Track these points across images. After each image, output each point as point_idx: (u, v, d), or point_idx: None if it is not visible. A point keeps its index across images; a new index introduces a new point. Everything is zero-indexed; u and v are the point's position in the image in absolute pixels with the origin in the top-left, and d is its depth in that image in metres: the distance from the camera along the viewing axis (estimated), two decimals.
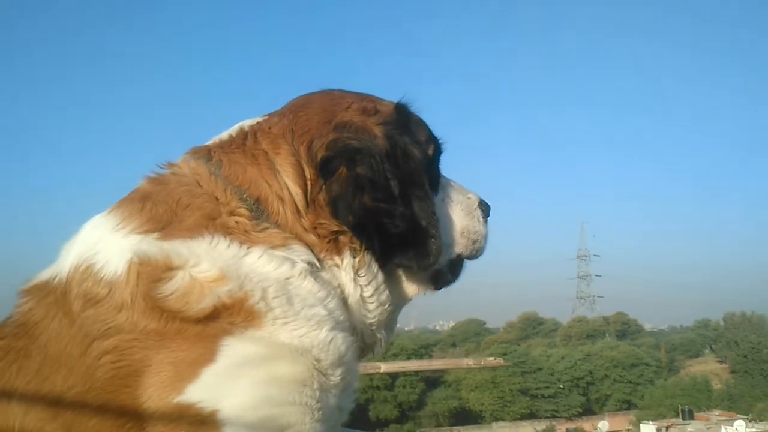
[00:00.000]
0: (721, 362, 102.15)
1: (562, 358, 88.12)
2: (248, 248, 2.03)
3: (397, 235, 2.16)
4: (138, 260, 1.93)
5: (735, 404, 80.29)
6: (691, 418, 67.74)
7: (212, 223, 2.05)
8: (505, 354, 78.16)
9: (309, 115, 2.30)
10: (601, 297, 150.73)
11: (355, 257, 2.19)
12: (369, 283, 2.23)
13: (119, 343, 1.86)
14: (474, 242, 2.47)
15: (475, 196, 2.53)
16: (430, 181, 2.35)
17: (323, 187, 2.16)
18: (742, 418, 61.55)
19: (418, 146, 2.32)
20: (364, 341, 2.33)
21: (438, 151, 2.45)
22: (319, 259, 2.16)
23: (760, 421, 65.91)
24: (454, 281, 2.53)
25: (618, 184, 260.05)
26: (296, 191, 2.18)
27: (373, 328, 2.31)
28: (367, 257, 2.21)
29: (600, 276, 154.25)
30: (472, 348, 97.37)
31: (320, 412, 1.96)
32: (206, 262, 1.95)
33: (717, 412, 71.37)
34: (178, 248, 1.96)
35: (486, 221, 2.52)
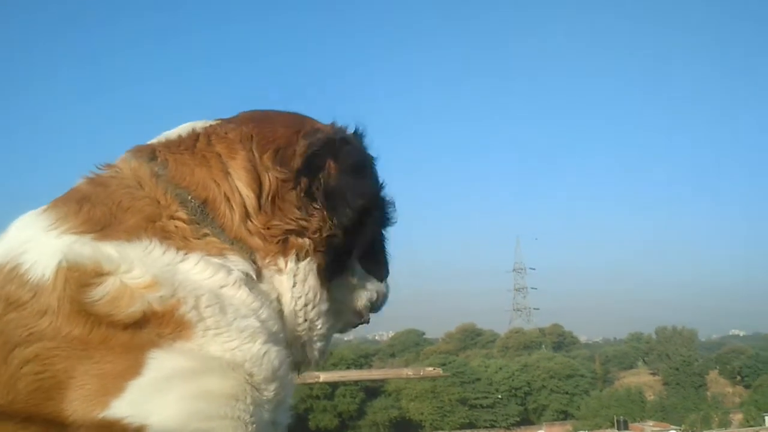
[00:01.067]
0: (653, 374, 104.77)
1: (500, 368, 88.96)
2: (185, 254, 1.95)
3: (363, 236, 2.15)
4: (68, 263, 1.83)
5: (668, 415, 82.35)
6: (626, 428, 69.22)
7: (151, 227, 1.97)
8: (444, 364, 78.71)
9: (274, 126, 2.20)
10: (537, 309, 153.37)
11: (301, 261, 2.08)
12: (307, 293, 2.11)
13: (41, 351, 1.78)
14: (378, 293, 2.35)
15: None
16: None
17: (310, 183, 2.08)
18: (674, 429, 63.11)
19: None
20: (299, 355, 2.18)
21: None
22: (259, 267, 2.05)
23: (692, 431, 67.57)
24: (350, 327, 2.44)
25: (553, 197, 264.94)
26: (248, 194, 2.06)
27: (306, 342, 2.18)
28: (313, 264, 2.08)
29: (536, 288, 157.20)
30: (411, 358, 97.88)
31: (253, 427, 1.88)
32: (139, 267, 1.87)
33: (651, 423, 73.21)
34: (112, 252, 1.88)
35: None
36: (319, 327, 2.18)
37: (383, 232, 2.35)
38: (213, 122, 2.26)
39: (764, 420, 73.36)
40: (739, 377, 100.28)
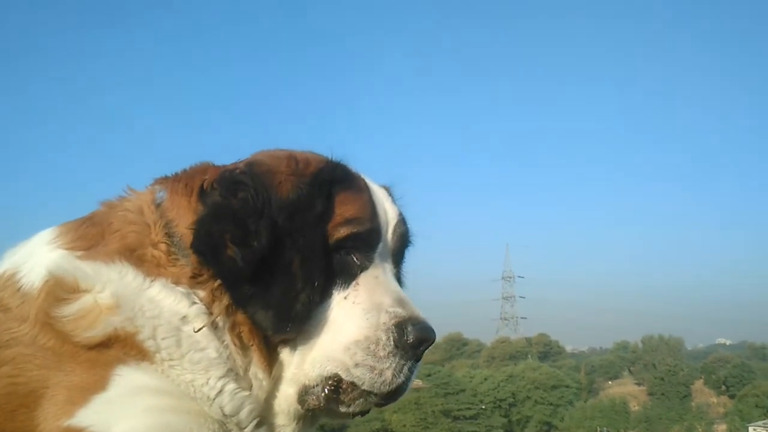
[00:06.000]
0: (639, 384, 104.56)
1: (485, 379, 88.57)
2: (152, 281, 2.05)
3: (250, 280, 2.00)
4: (52, 276, 2.02)
5: (652, 426, 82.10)
6: None
7: (130, 253, 2.10)
8: (429, 375, 78.50)
9: (256, 156, 2.24)
10: (525, 318, 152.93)
11: (223, 316, 2.06)
12: (241, 357, 2.05)
13: (17, 355, 1.95)
14: (357, 366, 2.04)
15: (404, 313, 2.13)
16: (335, 267, 2.13)
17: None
18: None
19: (326, 217, 2.13)
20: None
21: (357, 238, 2.17)
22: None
23: None
24: (333, 413, 2.13)
25: (541, 207, 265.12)
26: None
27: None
28: (224, 303, 2.07)
29: (524, 297, 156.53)
30: None
31: None
32: (109, 289, 2.00)
33: None
34: (89, 271, 2.03)
35: (399, 353, 2.07)
36: (270, 403, 2.11)
37: (305, 279, 2.05)
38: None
39: (748, 431, 73.13)
40: (724, 387, 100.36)
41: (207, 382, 1.95)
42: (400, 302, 2.16)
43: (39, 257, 2.08)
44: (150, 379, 1.91)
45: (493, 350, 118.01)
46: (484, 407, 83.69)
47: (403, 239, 2.37)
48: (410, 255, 2.47)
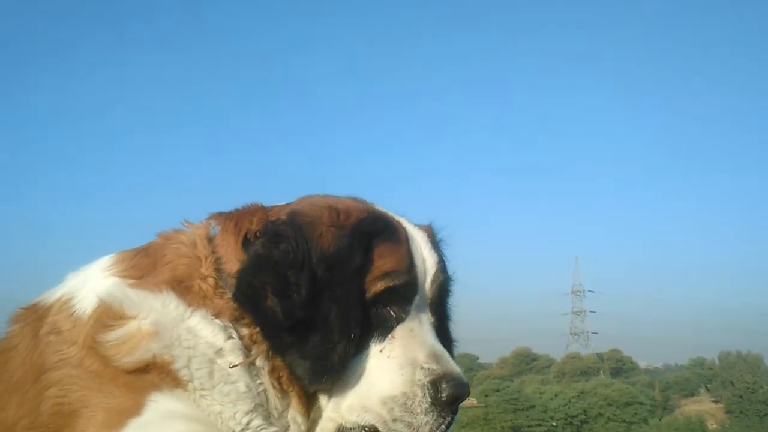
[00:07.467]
0: (716, 402, 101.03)
1: (556, 395, 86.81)
2: (193, 311, 2.11)
3: (290, 330, 2.07)
4: (101, 303, 2.10)
5: None
6: None
7: (178, 283, 2.16)
8: (497, 390, 77.53)
9: (293, 204, 2.34)
10: (596, 333, 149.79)
11: (262, 359, 2.15)
12: (279, 399, 2.14)
13: (64, 377, 2.03)
14: (395, 422, 2.11)
15: (439, 370, 2.17)
16: (372, 320, 2.19)
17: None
18: None
19: (364, 270, 2.18)
20: None
21: (394, 292, 2.23)
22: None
23: None
24: None
25: (615, 220, 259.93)
26: None
27: None
28: (263, 347, 2.15)
29: (594, 312, 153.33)
30: None
31: None
32: (151, 317, 2.07)
33: None
34: (136, 298, 2.10)
35: (437, 410, 2.11)
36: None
37: (342, 332, 2.13)
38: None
39: None
40: None
41: (234, 416, 2.04)
42: (435, 357, 2.21)
43: (93, 284, 2.20)
44: (182, 407, 2.01)
45: (564, 366, 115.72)
46: (555, 424, 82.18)
47: (442, 289, 2.45)
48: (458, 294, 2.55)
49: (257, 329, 2.13)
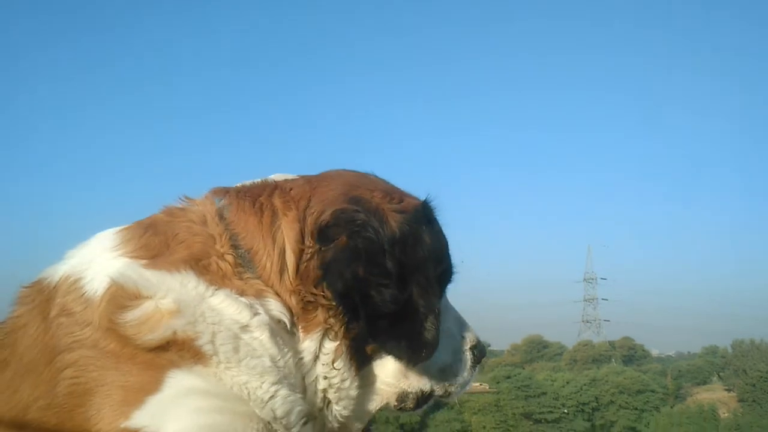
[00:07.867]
0: (729, 390, 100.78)
1: (567, 382, 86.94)
2: (216, 290, 2.09)
3: (387, 315, 2.13)
4: (114, 284, 2.07)
5: None
6: None
7: (195, 262, 2.13)
8: (509, 377, 77.84)
9: (331, 186, 2.30)
10: (608, 321, 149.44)
11: (329, 340, 2.15)
12: (339, 374, 2.17)
13: (80, 358, 2.02)
14: (449, 385, 2.38)
15: (473, 336, 2.48)
16: None
17: (317, 254, 2.13)
18: None
19: (430, 252, 2.27)
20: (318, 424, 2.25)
21: (445, 273, 2.40)
22: (291, 322, 2.15)
23: None
24: (413, 411, 2.40)
25: (627, 207, 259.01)
26: (289, 255, 2.17)
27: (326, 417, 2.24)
28: (344, 345, 2.16)
29: (606, 299, 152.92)
30: None
31: None
32: (171, 296, 2.05)
33: None
34: (152, 279, 2.08)
35: (474, 368, 2.45)
36: (340, 409, 2.23)
37: (428, 310, 2.22)
38: (291, 176, 2.42)
39: None
40: None
41: (261, 386, 2.03)
42: (467, 327, 2.51)
43: (103, 264, 2.15)
44: (200, 382, 1.99)
45: (575, 353, 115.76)
46: (566, 411, 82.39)
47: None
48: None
49: (317, 313, 2.14)
